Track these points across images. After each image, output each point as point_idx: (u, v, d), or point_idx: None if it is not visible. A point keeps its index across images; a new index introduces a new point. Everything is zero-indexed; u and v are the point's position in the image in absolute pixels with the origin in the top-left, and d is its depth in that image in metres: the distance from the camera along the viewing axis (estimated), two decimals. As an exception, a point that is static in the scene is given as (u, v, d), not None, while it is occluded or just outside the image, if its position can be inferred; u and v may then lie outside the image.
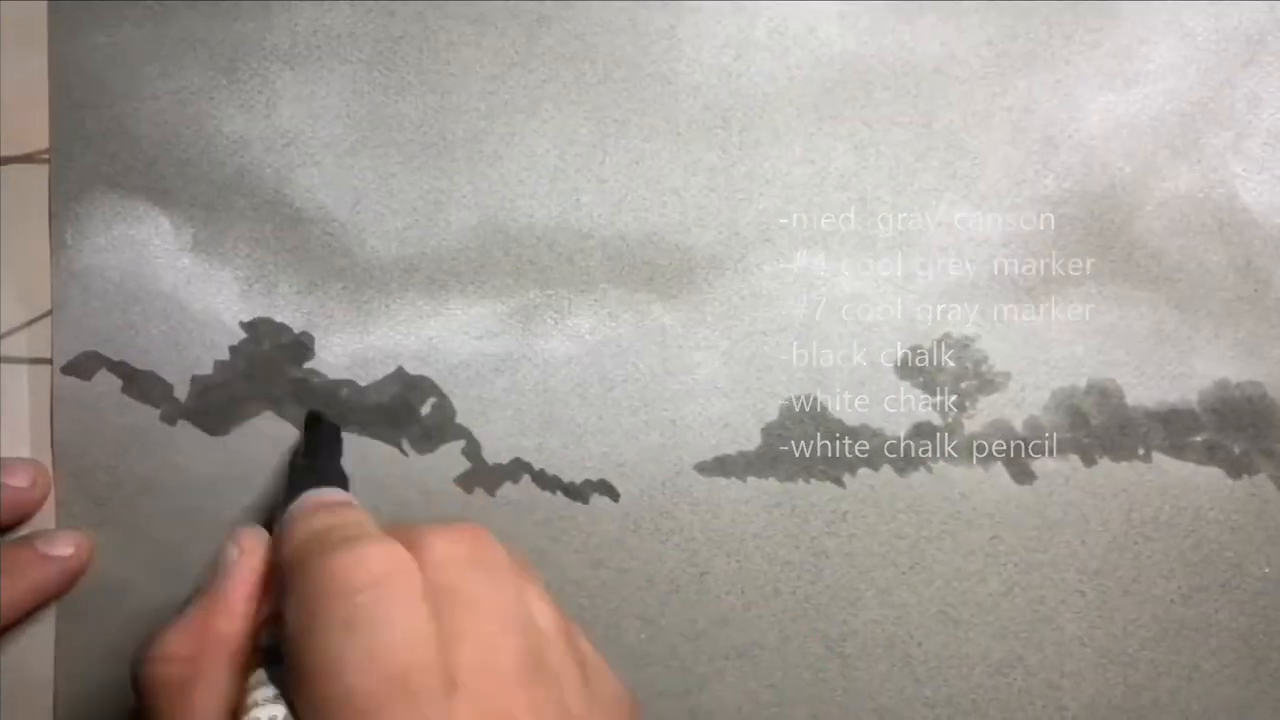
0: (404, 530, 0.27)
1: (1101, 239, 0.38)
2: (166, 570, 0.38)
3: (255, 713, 0.25)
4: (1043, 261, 0.38)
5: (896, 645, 0.38)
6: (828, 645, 0.38)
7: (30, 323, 0.39)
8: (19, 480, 0.37)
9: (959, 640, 0.38)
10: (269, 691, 0.26)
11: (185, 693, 0.26)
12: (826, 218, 0.38)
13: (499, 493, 0.38)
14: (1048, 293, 0.38)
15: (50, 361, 0.38)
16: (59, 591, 0.38)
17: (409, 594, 0.25)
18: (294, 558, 0.27)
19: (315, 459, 0.36)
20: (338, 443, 0.37)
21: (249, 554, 0.29)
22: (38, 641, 0.38)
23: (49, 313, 0.38)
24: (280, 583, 0.27)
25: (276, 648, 0.27)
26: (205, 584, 0.29)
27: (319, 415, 0.38)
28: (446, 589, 0.25)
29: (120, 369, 0.38)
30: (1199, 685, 0.37)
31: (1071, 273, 0.38)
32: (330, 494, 0.32)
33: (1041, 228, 0.38)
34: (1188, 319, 0.38)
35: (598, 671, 0.28)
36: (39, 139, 0.38)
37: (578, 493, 0.38)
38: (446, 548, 0.26)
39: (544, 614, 0.27)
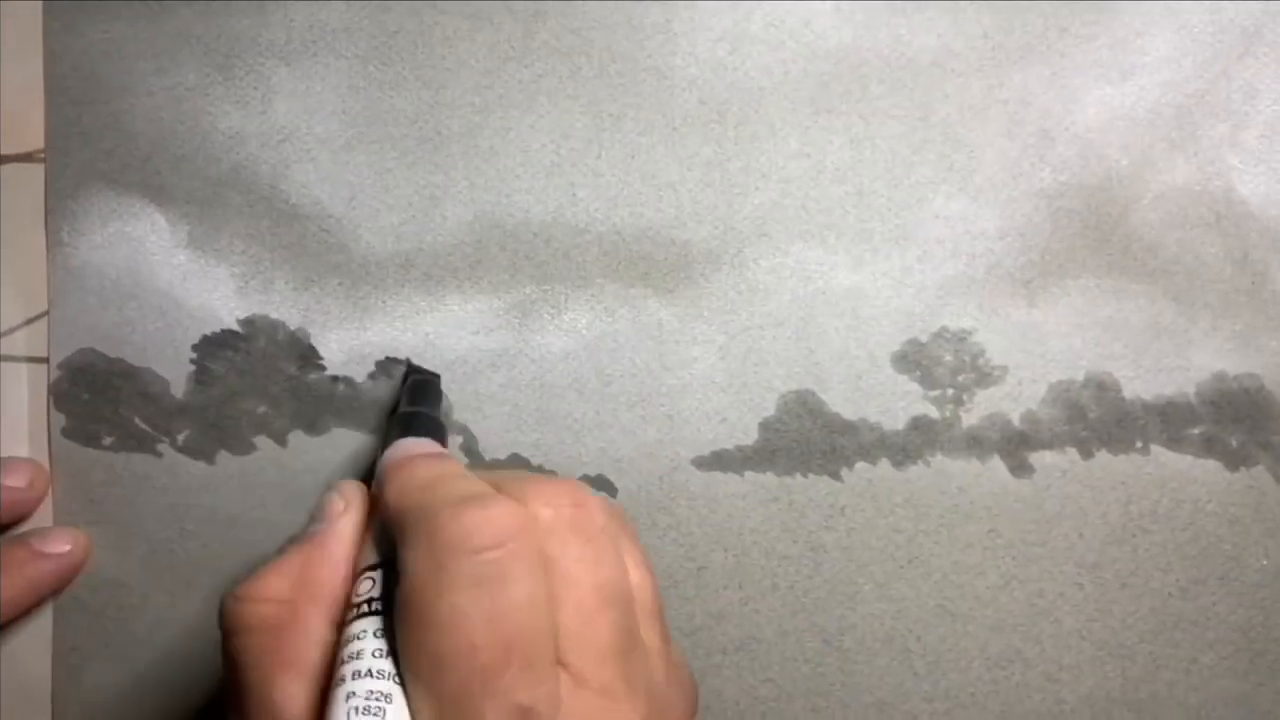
0: (507, 485, 0.27)
1: (1098, 232, 0.38)
2: (162, 567, 0.38)
3: (356, 664, 0.24)
4: (1039, 254, 0.38)
5: (895, 639, 0.38)
6: (825, 640, 0.38)
7: (29, 322, 0.38)
8: (17, 480, 0.37)
9: (957, 634, 0.38)
10: (378, 644, 0.25)
11: (280, 636, 0.26)
12: (822, 211, 0.38)
13: (496, 488, 0.38)
14: (1045, 286, 0.38)
15: (47, 360, 0.38)
16: (57, 588, 0.38)
17: (532, 555, 0.25)
18: (410, 508, 0.26)
19: (414, 407, 0.35)
20: (436, 393, 0.37)
21: (353, 506, 0.29)
22: (36, 640, 0.38)
23: (46, 312, 0.38)
24: (384, 533, 0.27)
25: (371, 601, 0.26)
26: (304, 531, 0.28)
27: (416, 366, 0.37)
28: (550, 557, 0.26)
29: (117, 365, 0.38)
30: (1197, 678, 0.37)
31: (1068, 266, 0.38)
32: (424, 444, 0.31)
33: (1038, 221, 0.38)
34: (1185, 311, 0.37)
35: (674, 645, 0.29)
36: (35, 139, 0.38)
37: (575, 488, 0.38)
38: (550, 512, 0.26)
39: (640, 583, 0.28)
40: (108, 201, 0.38)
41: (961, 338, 0.38)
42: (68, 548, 0.37)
